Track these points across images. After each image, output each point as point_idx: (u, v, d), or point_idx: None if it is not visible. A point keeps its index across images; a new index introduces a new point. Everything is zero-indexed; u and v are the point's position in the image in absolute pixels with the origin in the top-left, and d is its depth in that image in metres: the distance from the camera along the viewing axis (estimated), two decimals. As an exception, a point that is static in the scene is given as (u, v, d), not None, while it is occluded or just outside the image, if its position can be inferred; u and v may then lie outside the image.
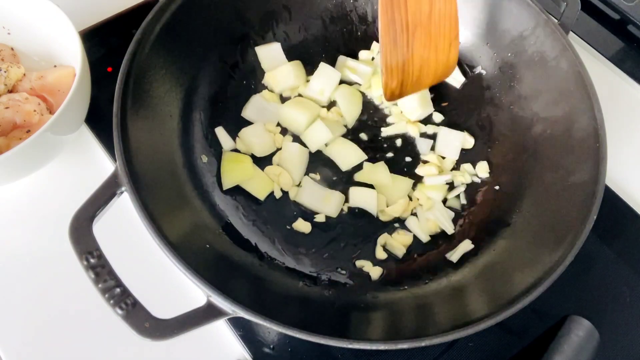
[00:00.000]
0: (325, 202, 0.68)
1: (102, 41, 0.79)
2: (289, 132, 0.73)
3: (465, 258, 0.65)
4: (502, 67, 0.75)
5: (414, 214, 0.69)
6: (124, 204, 0.53)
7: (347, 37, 0.81)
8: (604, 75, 0.86)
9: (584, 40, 0.88)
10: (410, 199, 0.70)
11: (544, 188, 0.65)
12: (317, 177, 0.71)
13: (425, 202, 0.69)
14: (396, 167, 0.72)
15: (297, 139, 0.73)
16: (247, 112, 0.73)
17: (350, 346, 0.48)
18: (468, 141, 0.74)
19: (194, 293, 0.62)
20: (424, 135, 0.75)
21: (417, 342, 0.49)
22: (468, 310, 0.56)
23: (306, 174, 0.71)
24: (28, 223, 0.67)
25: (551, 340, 0.57)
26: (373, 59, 0.79)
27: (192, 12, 0.68)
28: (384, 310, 0.60)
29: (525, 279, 0.55)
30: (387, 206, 0.69)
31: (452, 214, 0.69)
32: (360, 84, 0.78)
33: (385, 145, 0.74)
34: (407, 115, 0.75)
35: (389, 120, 0.76)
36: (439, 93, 0.78)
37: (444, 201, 0.70)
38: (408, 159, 0.73)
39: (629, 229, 0.72)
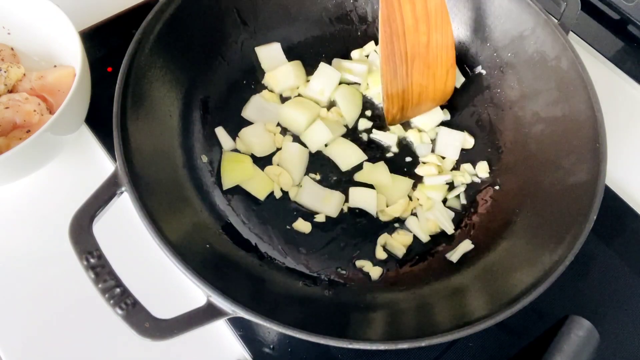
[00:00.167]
0: (325, 202, 0.68)
1: (102, 41, 0.79)
2: (289, 132, 0.73)
3: (465, 258, 0.65)
4: (502, 67, 0.75)
5: (414, 214, 0.69)
6: (124, 204, 0.53)
7: (347, 37, 0.80)
8: (604, 75, 0.86)
9: (584, 40, 0.88)
10: (410, 199, 0.70)
11: (544, 188, 0.65)
12: (317, 177, 0.71)
13: (425, 202, 0.69)
14: (396, 167, 0.72)
15: (297, 139, 0.73)
16: (247, 112, 0.73)
17: (350, 346, 0.48)
18: (468, 141, 0.74)
19: (194, 293, 0.62)
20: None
21: (417, 342, 0.49)
22: (468, 310, 0.56)
23: (306, 174, 0.71)
24: (28, 223, 0.67)
25: (551, 340, 0.57)
26: (367, 56, 0.79)
27: (192, 12, 0.68)
28: (384, 310, 0.60)
29: (525, 279, 0.55)
30: (387, 206, 0.69)
31: (452, 214, 0.69)
32: (359, 84, 0.78)
33: (385, 145, 0.74)
34: (420, 126, 0.75)
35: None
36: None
37: (444, 201, 0.70)
38: (408, 159, 0.73)
39: (629, 229, 0.72)
